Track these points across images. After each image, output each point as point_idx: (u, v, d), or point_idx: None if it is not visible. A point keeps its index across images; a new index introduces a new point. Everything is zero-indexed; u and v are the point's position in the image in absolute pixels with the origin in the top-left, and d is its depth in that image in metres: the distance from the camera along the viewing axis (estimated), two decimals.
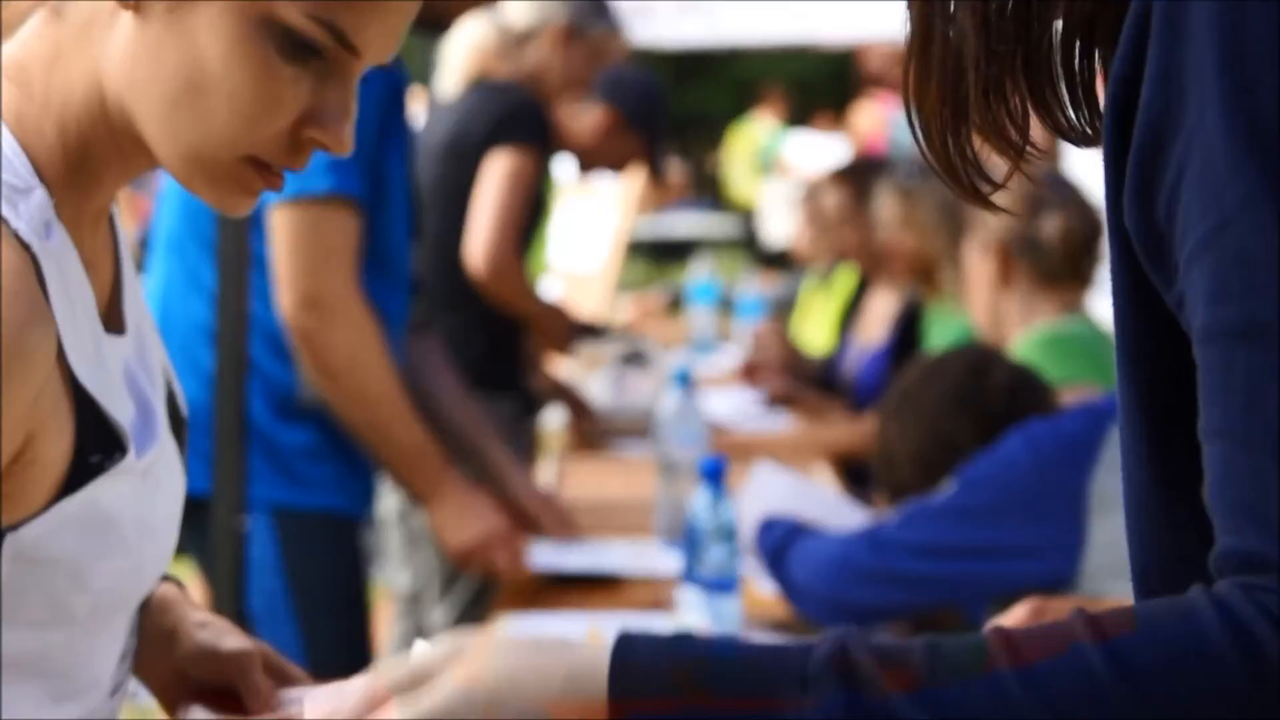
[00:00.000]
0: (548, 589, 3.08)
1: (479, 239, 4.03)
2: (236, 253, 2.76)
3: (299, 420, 2.99)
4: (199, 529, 2.72)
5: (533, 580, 3.13)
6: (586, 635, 2.78)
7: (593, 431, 4.43)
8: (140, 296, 1.45)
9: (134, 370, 1.38)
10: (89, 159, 1.33)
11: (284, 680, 1.50)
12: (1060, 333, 3.24)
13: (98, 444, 1.29)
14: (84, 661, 1.36)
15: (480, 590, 4.04)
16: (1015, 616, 2.07)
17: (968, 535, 2.55)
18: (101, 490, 1.29)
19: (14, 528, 1.26)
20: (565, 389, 4.57)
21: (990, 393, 2.76)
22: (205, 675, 1.50)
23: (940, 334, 4.24)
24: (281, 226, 2.88)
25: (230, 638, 1.52)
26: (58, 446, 1.27)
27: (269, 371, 2.96)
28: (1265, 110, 0.96)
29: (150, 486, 1.36)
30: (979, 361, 2.83)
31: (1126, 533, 1.10)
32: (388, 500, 4.29)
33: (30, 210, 1.26)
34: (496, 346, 4.16)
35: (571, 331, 4.51)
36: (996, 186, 1.14)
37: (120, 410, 1.32)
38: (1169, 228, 1.00)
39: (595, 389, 4.62)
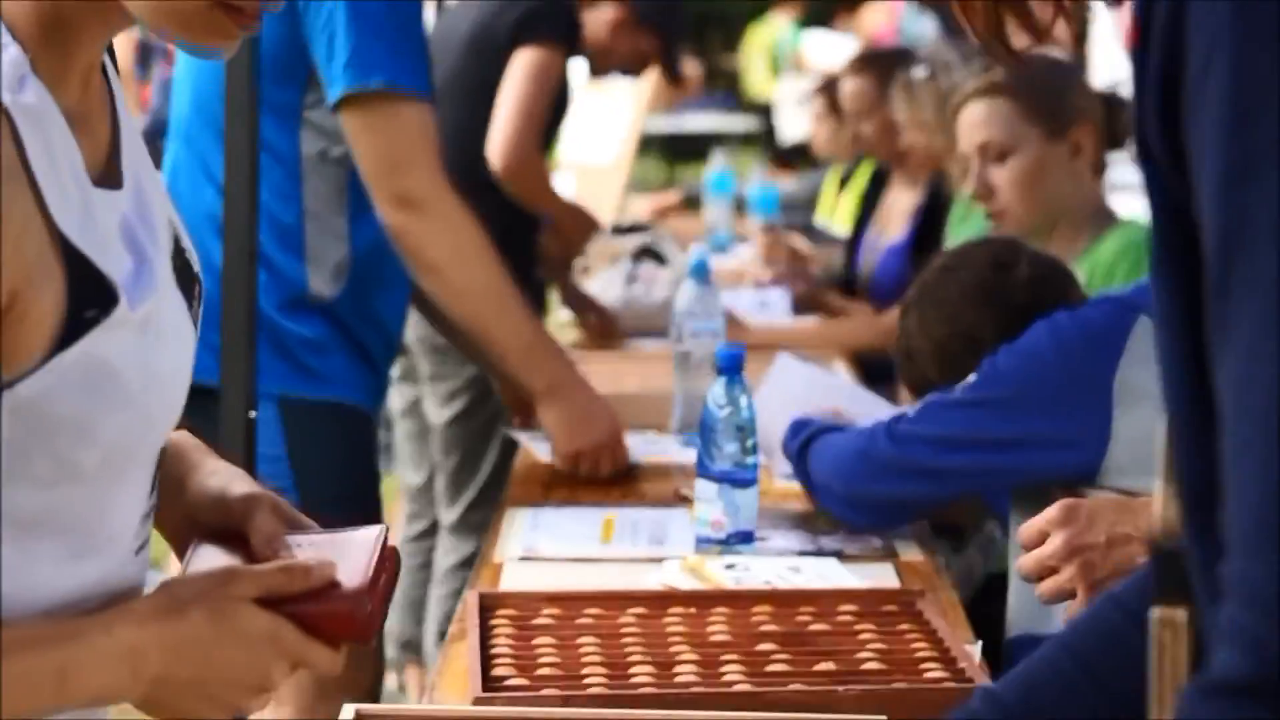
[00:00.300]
0: (561, 482, 3.04)
1: (502, 133, 4.00)
2: (246, 139, 2.72)
3: (308, 314, 2.97)
4: (208, 418, 2.69)
5: (545, 473, 3.09)
6: (601, 527, 2.75)
7: (612, 333, 4.39)
8: (141, 152, 1.44)
9: (132, 224, 1.36)
10: (63, 17, 1.32)
11: (291, 526, 1.52)
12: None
13: (91, 298, 1.29)
14: (99, 518, 1.36)
15: (488, 485, 4.02)
16: (1047, 518, 2.04)
17: (990, 427, 2.50)
18: (98, 343, 1.29)
19: (11, 384, 1.26)
20: (583, 297, 4.51)
21: (1013, 286, 2.71)
22: (214, 519, 1.51)
23: (964, 229, 4.17)
24: (354, 131, 2.88)
25: (239, 483, 1.54)
26: (47, 301, 1.26)
27: (279, 265, 2.94)
28: (1275, 63, 0.92)
29: (151, 338, 1.35)
30: (1003, 254, 2.77)
31: (1175, 457, 1.06)
32: (397, 396, 4.27)
33: (3, 68, 1.26)
34: (510, 242, 4.11)
35: (590, 231, 4.48)
36: (1039, 38, 1.10)
37: (113, 263, 1.31)
38: (1194, 163, 0.97)
39: (611, 284, 4.56)
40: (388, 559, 1.46)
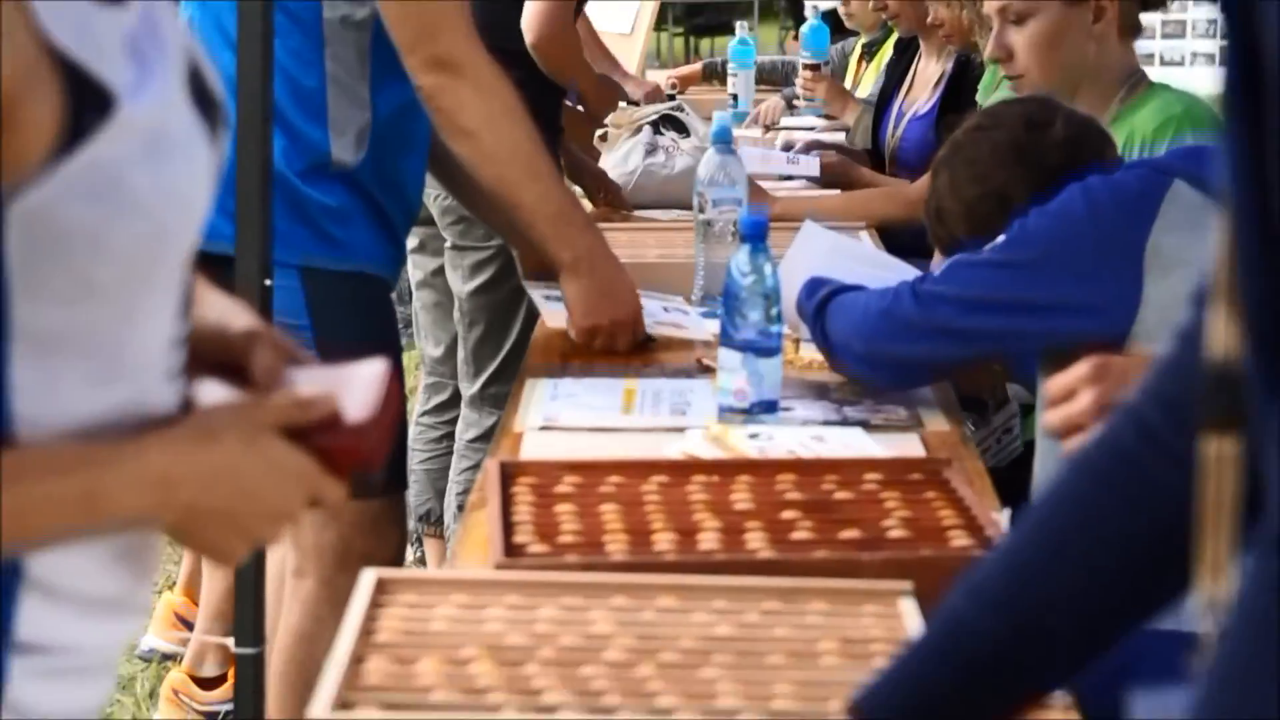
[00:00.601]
0: (582, 353, 3.01)
1: (537, 5, 3.96)
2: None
3: (330, 181, 2.95)
4: (226, 288, 2.67)
5: (565, 343, 3.06)
6: (622, 397, 2.72)
7: (619, 205, 4.34)
8: None
9: (138, 39, 1.33)
10: None
11: (290, 361, 1.51)
12: (1192, 98, 3.12)
13: (90, 104, 1.26)
14: (123, 339, 1.34)
15: (510, 357, 3.99)
16: (1076, 374, 2.00)
17: (1016, 289, 2.46)
18: (102, 150, 1.27)
19: (16, 195, 1.24)
20: (589, 169, 4.46)
21: (1047, 146, 2.66)
22: (213, 353, 1.50)
23: (993, 99, 4.11)
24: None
25: (240, 318, 1.53)
26: (43, 108, 1.24)
27: (301, 131, 2.92)
28: None
29: (162, 150, 1.32)
30: (1037, 113, 2.72)
31: (1241, 288, 1.02)
32: (414, 268, 4.24)
33: None
34: (536, 114, 4.08)
35: (615, 104, 4.44)
36: None
37: (112, 71, 1.28)
38: None
39: (632, 154, 4.52)
40: (392, 392, 1.46)
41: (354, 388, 1.44)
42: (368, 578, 1.82)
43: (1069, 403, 1.98)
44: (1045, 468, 2.49)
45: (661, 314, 3.16)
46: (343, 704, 1.58)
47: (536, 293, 3.23)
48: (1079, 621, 1.27)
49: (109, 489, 1.29)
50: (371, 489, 2.91)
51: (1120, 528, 1.26)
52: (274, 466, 1.38)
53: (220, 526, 1.37)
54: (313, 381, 1.47)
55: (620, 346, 3.01)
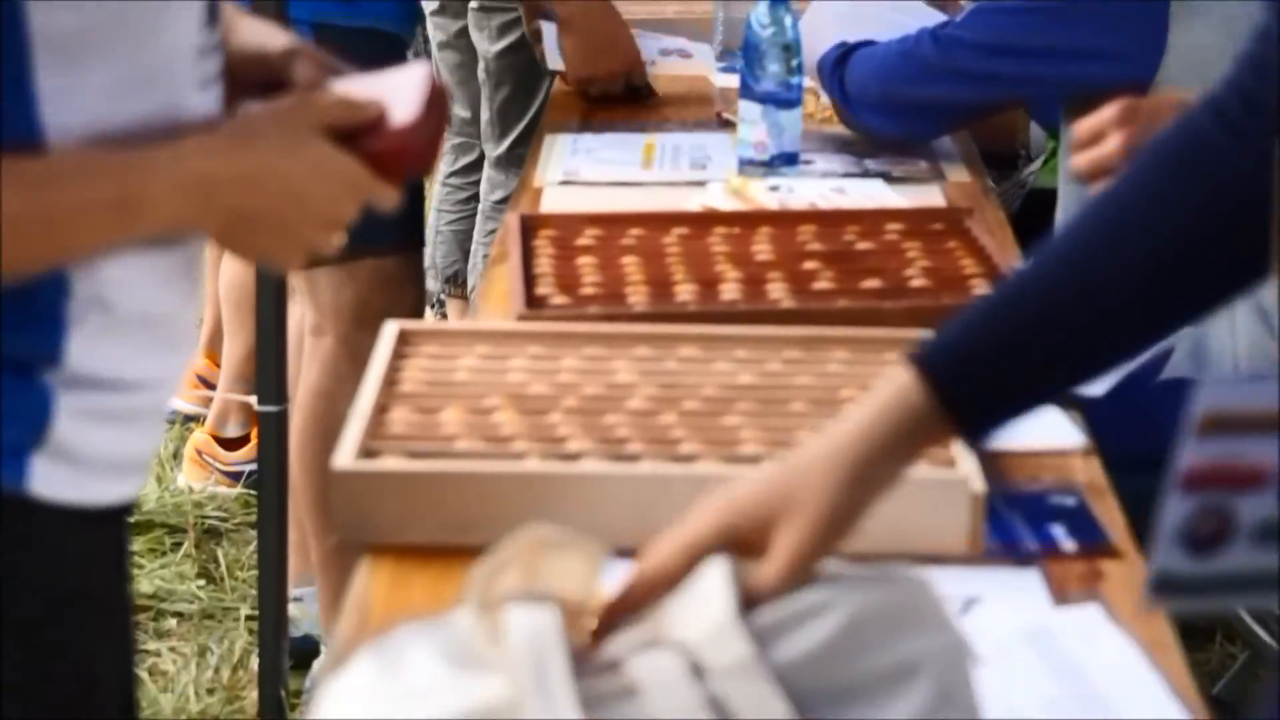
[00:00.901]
0: (597, 106, 2.99)
1: None
2: None
3: None
4: None
5: (584, 99, 3.03)
6: (642, 151, 2.71)
7: None
8: None
9: None
10: None
11: (332, 73, 1.47)
12: None
13: None
14: (144, 45, 1.30)
15: (536, 118, 3.96)
16: (1104, 116, 1.97)
17: (1040, 34, 2.42)
18: None
19: None
20: None
21: None
22: (254, 74, 1.46)
23: None
24: None
25: (276, 38, 1.50)
26: None
27: None
28: None
29: None
30: None
31: None
32: (435, 30, 4.20)
33: None
34: None
35: None
36: None
37: None
38: None
39: None
40: (437, 94, 1.42)
41: (398, 93, 1.40)
42: (390, 329, 1.82)
43: (1097, 145, 1.96)
44: (1069, 212, 2.47)
45: (660, 55, 3.15)
46: (367, 452, 1.59)
47: (548, 30, 3.20)
48: (1135, 294, 1.23)
49: (148, 193, 1.26)
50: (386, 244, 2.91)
51: (1190, 202, 1.23)
52: (320, 168, 1.33)
53: (268, 231, 1.34)
54: (356, 88, 1.43)
55: (614, 90, 3.01)
